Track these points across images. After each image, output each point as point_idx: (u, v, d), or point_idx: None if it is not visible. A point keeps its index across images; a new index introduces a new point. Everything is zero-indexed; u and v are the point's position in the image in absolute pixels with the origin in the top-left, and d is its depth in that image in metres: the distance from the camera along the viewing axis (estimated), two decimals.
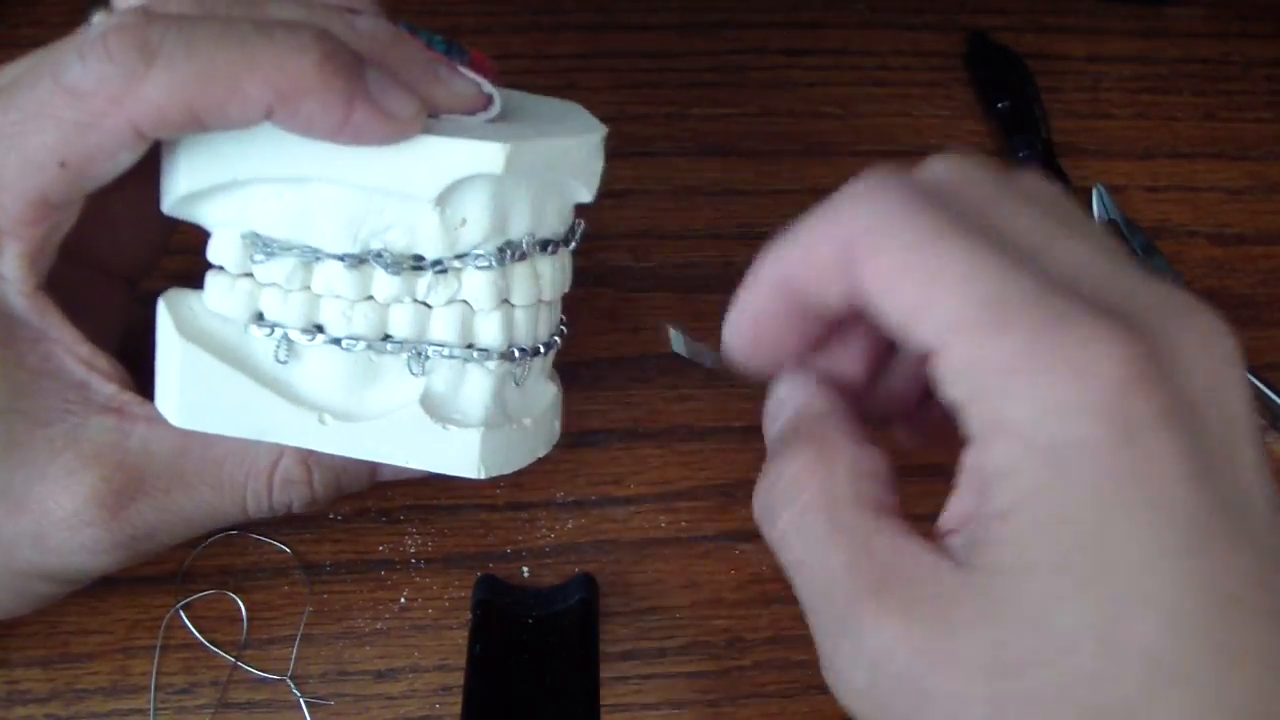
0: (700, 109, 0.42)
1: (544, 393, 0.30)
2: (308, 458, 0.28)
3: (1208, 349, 0.20)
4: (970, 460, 0.20)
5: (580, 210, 0.29)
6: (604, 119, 0.29)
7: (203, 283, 0.27)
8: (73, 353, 0.26)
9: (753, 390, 0.38)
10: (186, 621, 0.34)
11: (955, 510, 0.21)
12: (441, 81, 0.26)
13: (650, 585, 0.35)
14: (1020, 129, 0.42)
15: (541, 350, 0.28)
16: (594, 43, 0.43)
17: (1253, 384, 0.39)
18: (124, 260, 0.31)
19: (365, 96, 0.23)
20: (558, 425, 0.30)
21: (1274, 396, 0.38)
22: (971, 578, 0.20)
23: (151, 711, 0.32)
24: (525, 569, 0.35)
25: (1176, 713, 0.18)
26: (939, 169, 0.23)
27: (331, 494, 0.29)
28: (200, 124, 0.24)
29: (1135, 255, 0.41)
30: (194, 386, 0.26)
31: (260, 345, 0.27)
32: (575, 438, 0.37)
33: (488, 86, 0.27)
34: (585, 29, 0.43)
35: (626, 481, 0.37)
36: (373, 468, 0.29)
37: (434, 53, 0.26)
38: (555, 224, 0.28)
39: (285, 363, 0.26)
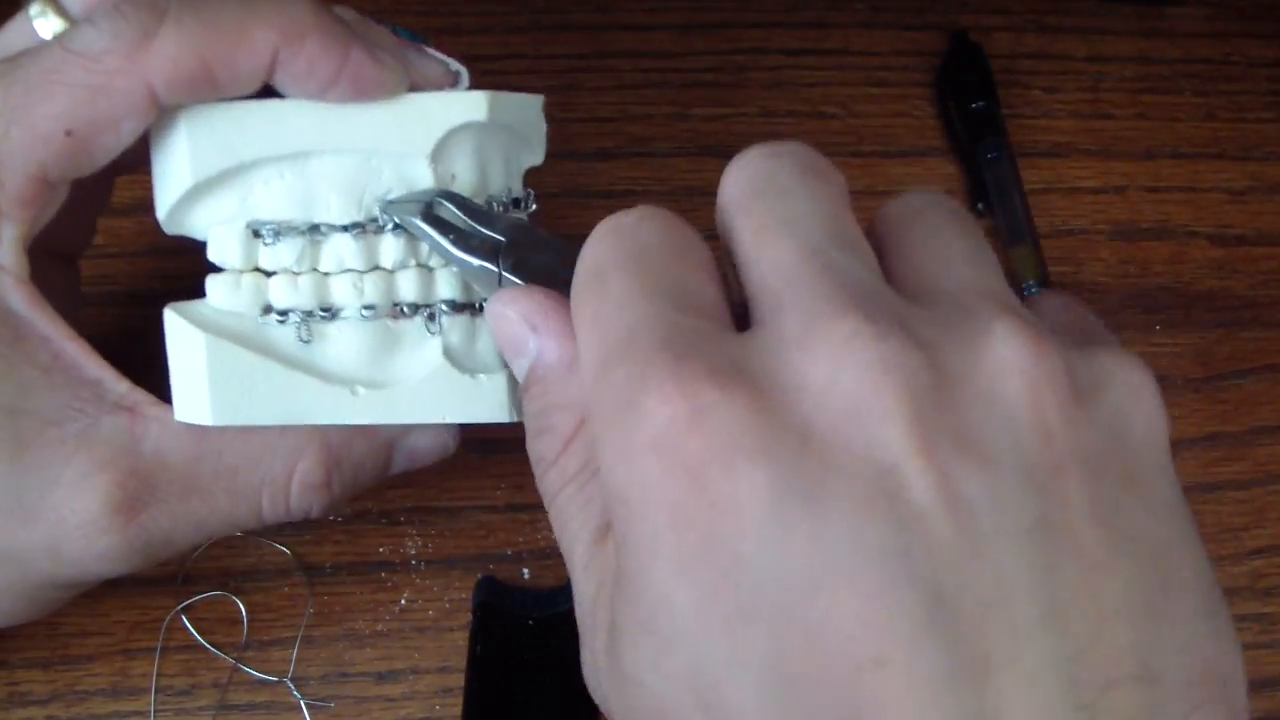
0: (700, 109, 0.42)
1: None
2: (326, 458, 0.27)
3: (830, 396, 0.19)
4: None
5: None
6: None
7: (201, 292, 0.27)
8: (78, 349, 0.26)
9: None
10: (187, 623, 0.34)
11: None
12: (411, 62, 0.27)
13: None
14: (992, 131, 0.42)
15: None
16: (594, 43, 0.43)
17: None
18: (62, 237, 0.30)
19: (360, 41, 0.25)
20: None
21: None
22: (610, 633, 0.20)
23: (152, 713, 0.32)
24: (526, 570, 0.35)
25: None
26: None
27: (349, 495, 0.29)
28: (212, 79, 0.24)
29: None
30: (224, 380, 0.26)
31: (278, 332, 0.27)
32: None
33: (455, 64, 0.28)
34: (585, 29, 0.43)
35: None
36: (388, 461, 0.29)
37: (400, 39, 0.27)
38: (518, 186, 0.29)
39: (309, 342, 0.27)
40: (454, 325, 0.27)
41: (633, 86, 0.42)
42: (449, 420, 0.27)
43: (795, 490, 0.17)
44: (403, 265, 0.27)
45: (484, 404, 0.27)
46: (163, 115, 0.25)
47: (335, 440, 0.27)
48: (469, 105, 0.26)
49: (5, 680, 0.32)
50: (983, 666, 0.17)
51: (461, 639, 0.34)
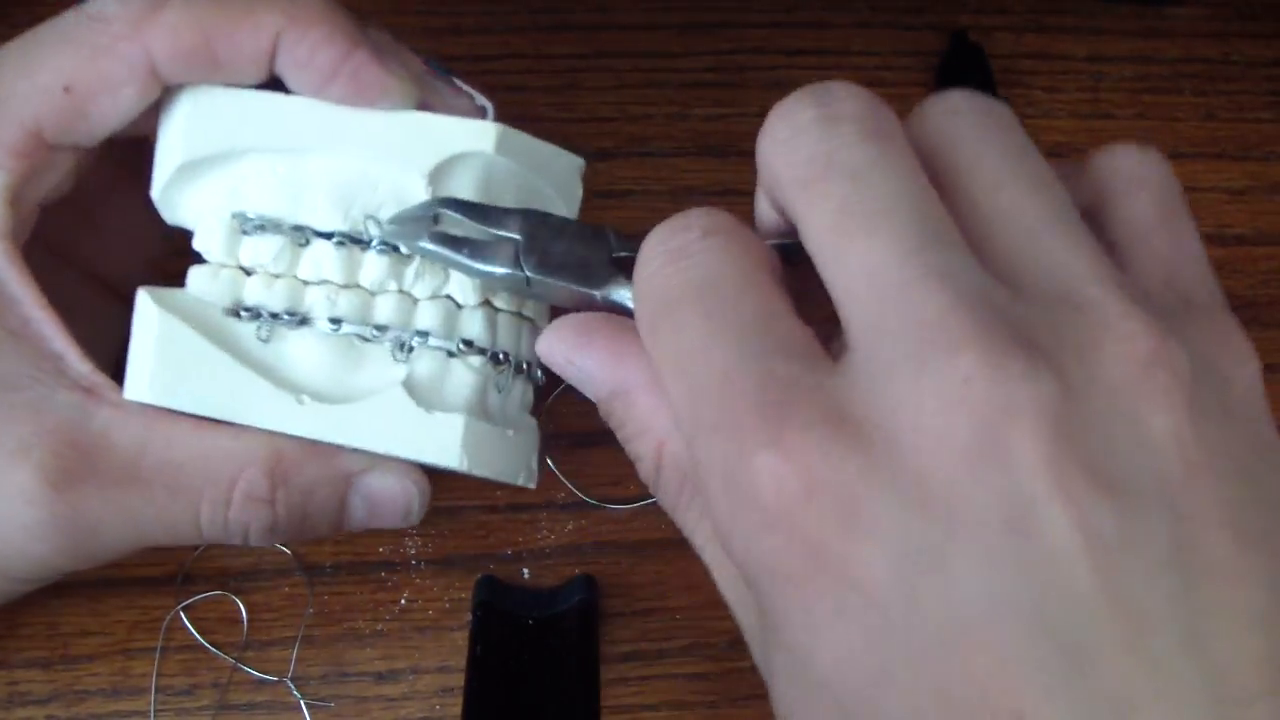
0: (700, 109, 0.42)
1: (525, 420, 0.29)
2: (274, 470, 0.26)
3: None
4: None
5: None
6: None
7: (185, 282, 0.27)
8: (48, 319, 0.26)
9: None
10: (187, 623, 0.34)
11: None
12: (437, 92, 0.26)
13: (651, 586, 0.35)
14: None
15: (525, 368, 0.28)
16: (594, 43, 0.43)
17: None
18: (115, 269, 0.31)
19: (368, 43, 0.25)
20: (535, 463, 0.29)
21: None
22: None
23: (152, 713, 0.32)
24: (526, 570, 0.35)
25: None
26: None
27: (295, 523, 0.27)
28: (213, 56, 0.25)
29: None
30: (169, 359, 0.25)
31: (241, 329, 0.26)
32: (575, 438, 0.37)
33: (480, 99, 0.27)
34: (585, 29, 0.43)
35: (626, 482, 0.37)
36: (342, 499, 0.27)
37: (430, 70, 0.27)
38: None
39: (267, 341, 0.26)
40: (423, 357, 0.26)
41: (632, 86, 0.42)
42: (393, 454, 0.26)
43: (918, 552, 0.17)
44: (382, 287, 0.26)
45: (434, 444, 0.26)
46: (170, 93, 0.25)
47: (288, 457, 0.26)
48: (476, 134, 0.25)
49: (5, 680, 0.32)
50: (1125, 707, 0.16)
51: (461, 639, 0.34)
